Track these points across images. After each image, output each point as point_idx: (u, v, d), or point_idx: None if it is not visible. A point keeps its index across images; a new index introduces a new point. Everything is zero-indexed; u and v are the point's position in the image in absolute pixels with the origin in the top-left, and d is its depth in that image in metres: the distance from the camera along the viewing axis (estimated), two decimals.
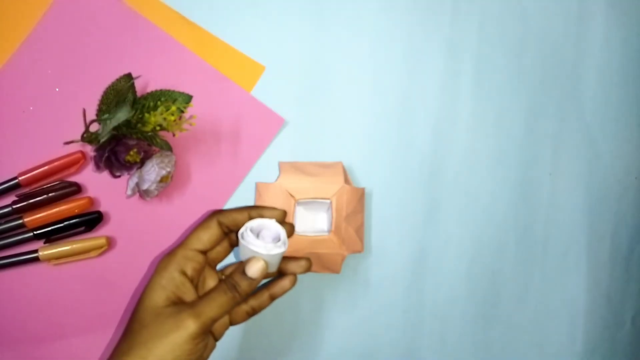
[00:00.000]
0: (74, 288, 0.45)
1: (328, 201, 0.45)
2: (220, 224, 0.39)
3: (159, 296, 0.36)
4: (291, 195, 0.45)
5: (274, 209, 0.39)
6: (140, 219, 0.46)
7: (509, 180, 0.50)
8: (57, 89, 0.45)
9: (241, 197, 0.47)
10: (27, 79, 0.45)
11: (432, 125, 0.49)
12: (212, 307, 0.36)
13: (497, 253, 0.50)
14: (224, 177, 0.46)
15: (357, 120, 0.48)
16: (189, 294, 0.37)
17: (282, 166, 0.46)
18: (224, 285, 0.37)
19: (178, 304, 0.36)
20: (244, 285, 0.37)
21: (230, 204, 0.46)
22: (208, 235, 0.39)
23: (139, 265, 0.46)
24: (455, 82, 0.49)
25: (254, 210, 0.39)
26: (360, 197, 0.46)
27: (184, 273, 0.37)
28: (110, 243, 0.45)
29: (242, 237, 0.37)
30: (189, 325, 0.35)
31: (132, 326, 0.36)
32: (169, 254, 0.38)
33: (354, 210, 0.46)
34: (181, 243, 0.39)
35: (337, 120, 0.48)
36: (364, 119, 0.48)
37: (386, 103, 0.49)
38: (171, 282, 0.37)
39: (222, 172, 0.46)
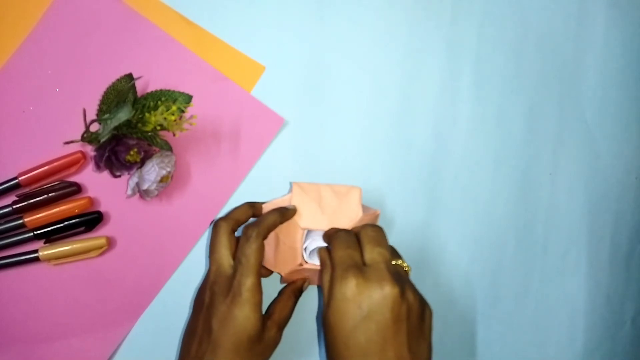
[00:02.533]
0: (74, 288, 0.45)
1: None
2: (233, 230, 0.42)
3: (258, 322, 0.38)
4: (302, 227, 0.42)
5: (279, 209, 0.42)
6: (140, 219, 0.46)
7: (509, 180, 0.50)
8: (57, 89, 0.45)
9: (241, 197, 0.46)
10: (27, 79, 0.45)
11: (432, 125, 0.49)
12: (286, 312, 0.42)
13: (497, 253, 0.50)
14: (224, 177, 0.46)
15: (357, 120, 0.48)
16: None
17: (295, 190, 0.43)
18: (289, 290, 0.43)
19: (264, 322, 0.39)
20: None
21: (230, 204, 0.46)
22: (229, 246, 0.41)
23: (139, 265, 0.46)
24: (455, 82, 0.49)
25: (251, 207, 0.43)
26: (372, 220, 0.44)
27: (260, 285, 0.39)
28: (110, 243, 0.45)
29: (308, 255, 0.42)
30: (278, 339, 0.40)
31: (219, 350, 0.37)
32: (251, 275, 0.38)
33: None
34: (245, 267, 0.39)
35: (337, 120, 0.48)
36: (364, 119, 0.48)
37: (386, 103, 0.49)
38: (260, 305, 0.39)
39: (222, 172, 0.46)
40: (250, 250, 0.38)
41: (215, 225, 0.41)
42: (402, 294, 0.35)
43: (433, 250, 0.49)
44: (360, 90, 0.48)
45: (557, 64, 0.51)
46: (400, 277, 0.36)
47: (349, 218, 0.42)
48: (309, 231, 0.42)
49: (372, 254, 0.37)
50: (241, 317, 0.37)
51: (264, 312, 0.41)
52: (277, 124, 0.47)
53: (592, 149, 0.52)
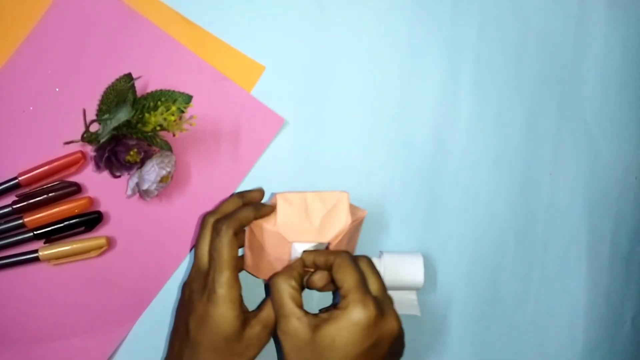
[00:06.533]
0: (74, 288, 0.45)
1: (327, 242, 0.41)
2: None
3: (235, 320, 0.37)
4: (290, 241, 0.40)
5: (257, 190, 0.43)
6: (140, 219, 0.46)
7: (509, 180, 0.50)
8: (57, 89, 0.45)
9: None
10: (27, 79, 0.45)
11: (431, 125, 0.49)
12: (274, 310, 0.39)
13: (497, 253, 0.50)
14: (224, 177, 0.46)
15: (357, 120, 0.48)
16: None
17: (279, 203, 0.40)
18: None
19: (246, 319, 0.38)
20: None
21: None
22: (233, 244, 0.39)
23: (139, 265, 0.46)
24: (455, 82, 0.49)
25: (241, 198, 0.42)
26: (359, 224, 0.43)
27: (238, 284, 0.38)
28: (110, 243, 0.45)
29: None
30: (263, 338, 0.38)
31: (199, 352, 0.37)
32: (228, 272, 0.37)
33: (352, 238, 0.43)
34: (221, 261, 0.38)
35: (337, 120, 0.48)
36: (364, 119, 0.48)
37: (386, 103, 0.49)
38: (238, 301, 0.37)
39: (222, 172, 0.46)
40: (220, 245, 0.37)
41: (202, 220, 0.41)
42: (402, 332, 0.37)
43: (433, 250, 0.49)
44: (360, 90, 0.48)
45: (557, 64, 0.51)
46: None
47: (337, 227, 0.40)
48: (298, 245, 0.41)
49: (376, 285, 0.38)
50: (216, 315, 0.36)
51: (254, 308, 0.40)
52: (277, 124, 0.47)
53: (592, 149, 0.52)
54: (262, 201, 0.44)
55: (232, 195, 0.43)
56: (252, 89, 0.47)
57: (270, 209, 0.40)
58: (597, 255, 0.52)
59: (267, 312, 0.39)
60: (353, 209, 0.42)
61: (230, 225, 0.38)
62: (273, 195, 0.42)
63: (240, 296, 0.38)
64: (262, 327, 0.38)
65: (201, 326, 0.37)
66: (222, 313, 0.36)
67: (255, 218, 0.40)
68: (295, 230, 0.40)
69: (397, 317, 0.37)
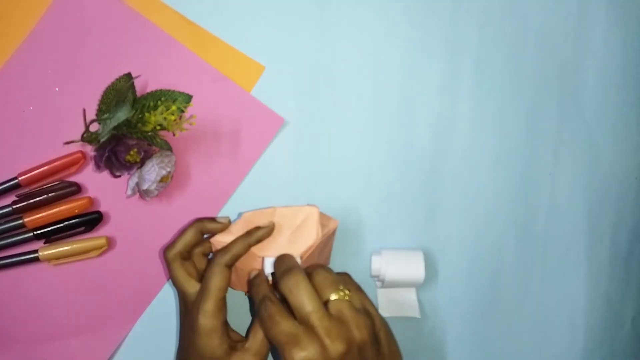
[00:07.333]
0: (74, 288, 0.45)
1: (298, 256, 0.40)
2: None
3: (218, 348, 0.37)
4: (259, 255, 0.40)
5: (221, 223, 0.41)
6: (140, 219, 0.46)
7: (509, 180, 0.50)
8: (57, 89, 0.45)
9: (241, 197, 0.46)
10: (27, 79, 0.45)
11: (432, 125, 0.49)
12: (265, 341, 0.37)
13: (497, 253, 0.50)
14: (224, 177, 0.46)
15: (357, 120, 0.48)
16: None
17: (242, 223, 0.41)
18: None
19: (233, 347, 0.38)
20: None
21: (229, 204, 0.46)
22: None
23: (139, 265, 0.46)
24: (455, 82, 0.49)
25: (200, 230, 0.41)
26: (331, 235, 0.42)
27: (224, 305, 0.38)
28: (110, 243, 0.45)
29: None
30: None
31: None
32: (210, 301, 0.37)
33: (323, 250, 0.42)
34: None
35: (337, 120, 0.48)
36: (364, 119, 0.48)
37: (386, 103, 0.49)
38: (220, 330, 0.37)
39: (222, 172, 0.46)
40: (212, 276, 0.38)
41: (165, 259, 0.40)
42: (350, 349, 0.34)
43: (433, 250, 0.49)
44: (360, 90, 0.48)
45: (557, 64, 0.51)
46: (347, 329, 0.34)
47: (307, 242, 0.40)
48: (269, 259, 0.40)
49: (335, 296, 0.36)
50: (200, 344, 0.37)
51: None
52: (276, 124, 0.47)
53: (592, 149, 0.52)
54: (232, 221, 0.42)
55: (191, 225, 0.41)
56: (252, 89, 0.47)
57: (265, 233, 0.40)
58: (597, 255, 0.52)
59: (253, 340, 0.38)
60: (324, 220, 0.41)
61: (223, 259, 0.38)
62: (240, 215, 0.42)
63: (224, 325, 0.38)
64: (252, 355, 0.37)
65: (188, 353, 0.38)
66: (206, 342, 0.37)
67: (252, 246, 0.39)
68: (265, 245, 0.40)
69: (352, 338, 0.34)
